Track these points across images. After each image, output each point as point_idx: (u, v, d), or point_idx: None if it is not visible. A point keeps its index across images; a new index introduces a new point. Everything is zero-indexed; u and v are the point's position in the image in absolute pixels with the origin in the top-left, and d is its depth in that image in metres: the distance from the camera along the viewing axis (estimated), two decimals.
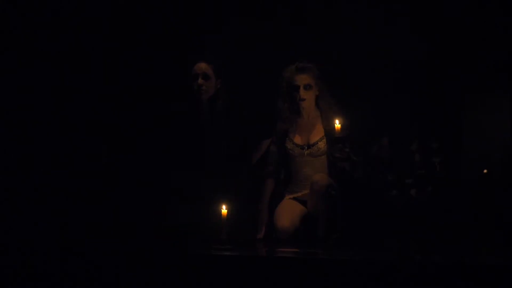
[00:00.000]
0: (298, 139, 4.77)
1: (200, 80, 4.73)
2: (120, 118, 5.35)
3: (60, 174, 5.24)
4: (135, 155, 5.23)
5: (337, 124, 4.27)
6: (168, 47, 5.41)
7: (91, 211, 4.99)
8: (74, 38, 5.38)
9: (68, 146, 5.28)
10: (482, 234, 4.64)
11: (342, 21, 5.25)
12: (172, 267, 3.65)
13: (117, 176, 5.15)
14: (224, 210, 4.27)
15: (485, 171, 5.11)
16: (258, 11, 5.37)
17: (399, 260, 3.54)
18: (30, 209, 5.09)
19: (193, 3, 5.46)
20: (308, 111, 4.79)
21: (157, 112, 5.14)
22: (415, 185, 4.18)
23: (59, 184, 5.21)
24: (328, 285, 3.47)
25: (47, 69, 5.36)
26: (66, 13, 5.39)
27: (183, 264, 3.64)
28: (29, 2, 5.34)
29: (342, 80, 5.03)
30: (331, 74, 4.79)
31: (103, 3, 5.40)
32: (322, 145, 4.72)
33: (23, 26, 5.34)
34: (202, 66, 4.75)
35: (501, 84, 5.18)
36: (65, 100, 5.34)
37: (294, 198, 4.73)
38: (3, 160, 5.22)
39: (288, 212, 4.61)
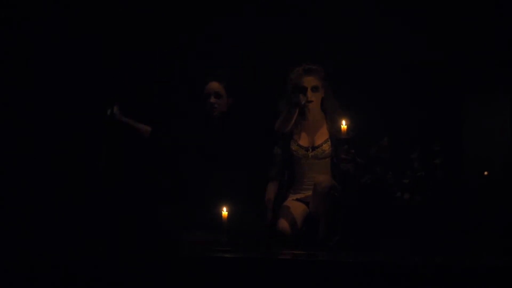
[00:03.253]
0: (302, 141, 4.77)
1: (212, 99, 4.80)
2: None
3: (59, 175, 5.25)
4: (138, 157, 5.24)
5: (343, 125, 4.26)
6: (169, 48, 5.44)
7: (92, 212, 4.99)
8: (74, 39, 5.38)
9: (69, 148, 5.29)
10: (482, 236, 4.64)
11: (343, 22, 5.25)
12: (173, 269, 3.65)
13: (118, 177, 5.16)
14: (224, 212, 4.27)
15: (485, 173, 5.11)
16: (259, 12, 5.38)
17: (400, 262, 3.54)
18: (29, 209, 5.10)
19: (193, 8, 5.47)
20: (313, 113, 4.78)
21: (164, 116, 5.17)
22: (411, 188, 4.18)
23: (58, 185, 5.22)
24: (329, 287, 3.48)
25: (47, 69, 5.36)
26: (66, 12, 5.40)
27: (184, 266, 3.64)
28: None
29: (344, 82, 5.03)
30: (334, 76, 4.80)
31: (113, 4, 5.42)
32: (326, 147, 4.71)
33: (22, 25, 5.35)
34: (214, 85, 4.83)
35: (501, 85, 5.18)
36: (66, 100, 5.35)
37: (297, 199, 4.73)
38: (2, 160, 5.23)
39: (290, 214, 4.60)
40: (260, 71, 5.28)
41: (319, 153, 4.72)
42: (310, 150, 4.74)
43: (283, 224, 4.56)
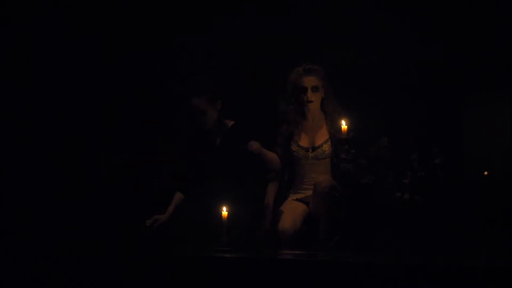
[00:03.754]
0: (302, 142, 4.76)
1: (198, 118, 4.67)
2: (123, 121, 5.37)
3: (59, 175, 5.25)
4: (138, 156, 5.25)
5: (344, 125, 4.26)
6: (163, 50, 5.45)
7: (92, 212, 5.00)
8: (74, 39, 5.39)
9: (69, 148, 5.30)
10: (482, 236, 4.64)
11: (343, 22, 5.25)
12: (173, 269, 3.64)
13: (119, 178, 5.16)
14: (224, 212, 4.27)
15: (486, 173, 5.11)
16: (259, 12, 5.38)
17: (400, 262, 3.54)
18: (29, 209, 5.10)
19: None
20: (313, 113, 4.78)
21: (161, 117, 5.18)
22: (411, 188, 4.18)
23: (58, 185, 5.23)
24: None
25: (47, 69, 5.36)
26: (66, 12, 5.40)
27: (184, 266, 3.64)
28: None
29: (344, 82, 5.03)
30: (333, 76, 4.80)
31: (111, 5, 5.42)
32: (326, 147, 4.71)
33: (22, 25, 5.35)
34: (196, 103, 4.65)
35: (501, 85, 5.18)
36: (66, 100, 5.36)
37: (297, 199, 4.73)
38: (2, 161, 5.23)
39: (291, 214, 4.60)
40: (260, 71, 5.28)
41: (319, 153, 4.72)
42: (310, 150, 4.74)
43: (283, 224, 4.56)
